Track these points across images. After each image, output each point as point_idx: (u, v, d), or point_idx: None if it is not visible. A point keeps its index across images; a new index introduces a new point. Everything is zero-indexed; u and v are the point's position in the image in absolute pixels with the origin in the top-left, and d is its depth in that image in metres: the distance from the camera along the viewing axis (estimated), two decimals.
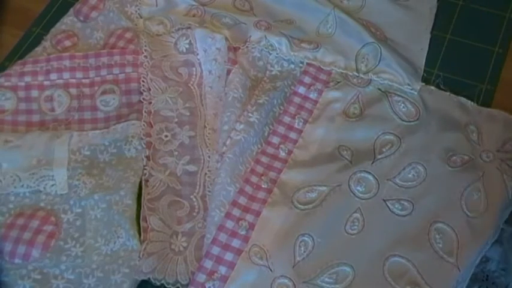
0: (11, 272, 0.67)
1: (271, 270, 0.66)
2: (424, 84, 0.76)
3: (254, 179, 0.71)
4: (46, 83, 0.78)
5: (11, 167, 0.72)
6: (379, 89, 0.77)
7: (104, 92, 0.78)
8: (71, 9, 0.85)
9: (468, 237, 0.66)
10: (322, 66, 0.78)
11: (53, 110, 0.77)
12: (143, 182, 0.71)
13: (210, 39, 0.79)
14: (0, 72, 0.79)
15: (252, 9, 0.84)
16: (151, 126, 0.74)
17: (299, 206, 0.69)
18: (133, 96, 0.77)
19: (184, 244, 0.68)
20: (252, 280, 0.65)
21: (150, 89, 0.77)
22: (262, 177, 0.71)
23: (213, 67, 0.78)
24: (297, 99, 0.76)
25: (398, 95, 0.76)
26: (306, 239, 0.67)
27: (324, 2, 0.82)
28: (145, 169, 0.72)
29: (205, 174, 0.72)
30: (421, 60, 0.79)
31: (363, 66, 0.78)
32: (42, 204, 0.71)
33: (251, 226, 0.68)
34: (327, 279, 0.65)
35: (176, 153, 0.73)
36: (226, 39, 0.79)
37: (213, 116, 0.76)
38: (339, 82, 0.77)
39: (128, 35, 0.82)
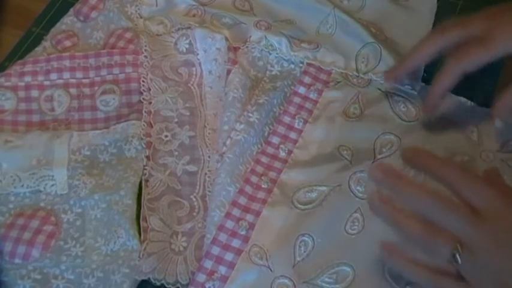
0: (11, 272, 0.67)
1: (271, 270, 0.66)
2: (424, 84, 0.76)
3: (254, 179, 0.71)
4: (46, 83, 0.78)
5: (11, 167, 0.72)
6: (379, 89, 0.77)
7: (104, 92, 0.78)
8: (71, 9, 0.84)
9: None
10: (322, 66, 0.78)
11: (53, 110, 0.77)
12: (143, 182, 0.71)
13: (210, 39, 0.79)
14: (0, 72, 0.79)
15: (252, 9, 0.84)
16: (151, 126, 0.74)
17: (299, 206, 0.69)
18: (134, 96, 0.77)
19: (184, 244, 0.68)
20: (252, 280, 0.65)
21: (150, 89, 0.77)
22: (262, 177, 0.71)
23: (213, 67, 0.78)
24: (297, 99, 0.76)
25: (399, 95, 0.76)
26: (306, 239, 0.67)
27: (324, 2, 0.82)
28: (145, 169, 0.72)
29: (205, 174, 0.72)
30: None
31: (363, 66, 0.78)
32: (42, 204, 0.71)
33: (251, 226, 0.68)
34: (327, 279, 0.65)
35: (176, 153, 0.73)
36: (226, 39, 0.79)
37: (213, 116, 0.76)
38: (339, 82, 0.77)
39: (128, 35, 0.81)
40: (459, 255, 0.51)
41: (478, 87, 0.76)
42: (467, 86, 0.74)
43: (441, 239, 0.53)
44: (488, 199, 0.52)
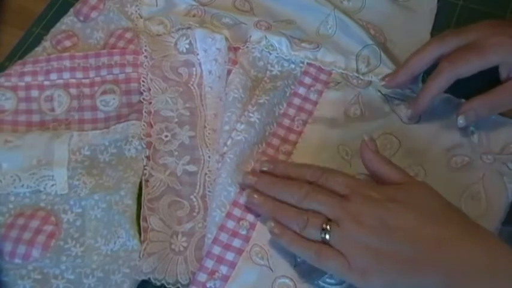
0: (11, 272, 0.67)
1: (272, 270, 0.65)
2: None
3: None
4: (46, 83, 0.78)
5: (11, 167, 0.72)
6: (379, 91, 0.77)
7: (104, 92, 0.78)
8: (71, 9, 0.84)
9: None
10: (322, 66, 0.78)
11: (53, 110, 0.77)
12: (143, 182, 0.71)
13: (210, 39, 0.79)
14: (0, 72, 0.79)
15: (252, 9, 0.84)
16: (151, 126, 0.74)
17: None
18: (134, 96, 0.77)
19: (185, 244, 0.68)
20: (253, 280, 0.65)
21: (150, 89, 0.76)
22: None
23: (213, 67, 0.78)
24: (296, 100, 0.76)
25: (399, 97, 0.76)
26: None
27: (324, 3, 0.82)
28: (145, 169, 0.72)
29: (205, 174, 0.72)
30: None
31: (364, 67, 0.78)
32: (42, 204, 0.71)
33: (252, 226, 0.68)
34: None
35: (176, 153, 0.73)
36: (226, 39, 0.79)
37: (213, 116, 0.76)
38: (339, 83, 0.77)
39: (128, 35, 0.81)
40: (328, 229, 0.61)
41: (478, 88, 0.76)
42: (467, 87, 0.74)
43: (312, 218, 0.62)
44: (350, 185, 0.63)
